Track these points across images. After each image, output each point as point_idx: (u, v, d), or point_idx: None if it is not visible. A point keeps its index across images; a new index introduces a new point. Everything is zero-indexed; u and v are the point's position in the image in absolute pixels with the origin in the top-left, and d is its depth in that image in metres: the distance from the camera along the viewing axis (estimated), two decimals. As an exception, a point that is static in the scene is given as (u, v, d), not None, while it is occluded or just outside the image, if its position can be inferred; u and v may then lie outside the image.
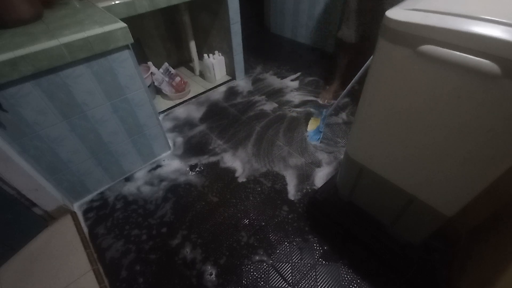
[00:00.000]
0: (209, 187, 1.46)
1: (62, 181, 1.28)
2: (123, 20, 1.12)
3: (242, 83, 2.29)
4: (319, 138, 1.71)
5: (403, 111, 0.75)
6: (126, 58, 1.17)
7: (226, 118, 1.93)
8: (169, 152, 1.67)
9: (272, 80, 2.33)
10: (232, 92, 2.19)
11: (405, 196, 0.90)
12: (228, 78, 2.33)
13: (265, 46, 2.93)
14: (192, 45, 2.19)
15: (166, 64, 2.05)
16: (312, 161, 1.59)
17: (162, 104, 2.06)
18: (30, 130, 1.06)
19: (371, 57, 0.79)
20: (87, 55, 1.04)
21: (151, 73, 1.98)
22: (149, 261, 1.17)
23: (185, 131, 1.83)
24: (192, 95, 2.14)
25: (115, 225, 1.31)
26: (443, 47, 0.59)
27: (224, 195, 1.42)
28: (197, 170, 1.56)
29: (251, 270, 1.13)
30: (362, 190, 1.08)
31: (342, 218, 1.21)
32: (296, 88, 2.22)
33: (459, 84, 0.60)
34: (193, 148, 1.70)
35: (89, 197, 1.43)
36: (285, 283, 1.09)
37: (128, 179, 1.52)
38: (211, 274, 1.12)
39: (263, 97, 2.13)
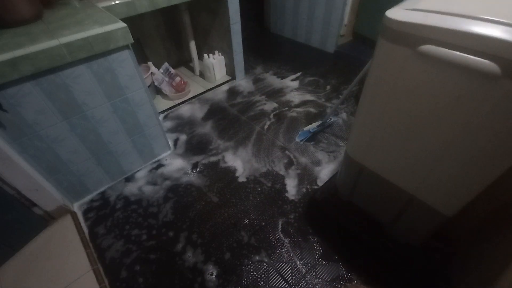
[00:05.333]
0: (209, 187, 1.46)
1: (62, 181, 1.28)
2: (123, 20, 1.12)
3: (242, 83, 2.29)
4: (303, 139, 1.72)
5: (403, 111, 0.75)
6: (126, 58, 1.17)
7: (227, 118, 1.93)
8: (169, 152, 1.67)
9: (272, 80, 2.33)
10: (232, 92, 2.19)
11: (405, 196, 0.90)
12: (228, 78, 2.33)
13: (265, 46, 2.92)
14: (192, 45, 2.19)
15: (166, 64, 2.05)
16: (312, 161, 1.59)
17: (162, 104, 2.06)
18: (30, 130, 1.06)
19: (371, 58, 0.79)
20: (87, 55, 1.04)
21: (151, 73, 1.98)
22: (149, 261, 1.17)
23: (185, 131, 1.83)
24: (192, 95, 2.14)
25: (115, 225, 1.31)
26: (443, 47, 0.59)
27: (224, 195, 1.42)
28: (198, 170, 1.56)
29: (251, 270, 1.13)
30: (362, 189, 1.08)
31: (342, 218, 1.21)
32: (296, 88, 2.22)
33: (459, 84, 0.60)
34: (194, 148, 1.70)
35: (89, 197, 1.43)
36: (285, 283, 1.09)
37: (128, 179, 1.51)
38: (211, 274, 1.12)
39: (263, 97, 2.12)
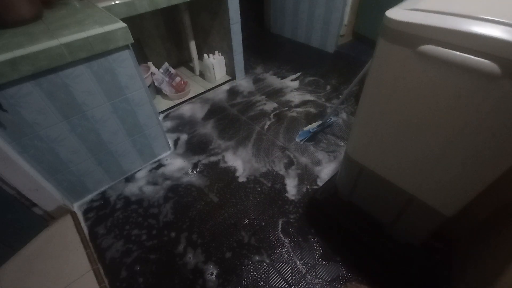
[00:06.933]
0: (209, 187, 1.46)
1: (62, 181, 1.28)
2: (123, 20, 1.12)
3: (242, 83, 2.29)
4: (303, 139, 1.72)
5: (403, 111, 0.75)
6: (126, 58, 1.17)
7: (227, 118, 1.93)
8: (169, 152, 1.67)
9: (272, 80, 2.33)
10: (232, 92, 2.19)
11: (404, 196, 0.90)
12: (228, 78, 2.33)
13: (265, 46, 2.93)
14: (192, 45, 2.19)
15: (166, 64, 2.05)
16: (312, 161, 1.59)
17: (162, 104, 2.06)
18: (30, 130, 1.06)
19: (371, 58, 0.79)
20: (87, 55, 1.04)
21: (151, 73, 1.98)
22: (149, 261, 1.17)
23: (185, 131, 1.83)
24: (192, 95, 2.14)
25: (115, 225, 1.31)
26: (443, 47, 0.59)
27: (224, 195, 1.42)
28: (198, 170, 1.56)
29: (251, 270, 1.13)
30: (362, 190, 1.08)
31: (342, 218, 1.21)
32: (296, 88, 2.22)
33: (459, 84, 0.60)
34: (194, 148, 1.70)
35: (89, 197, 1.43)
36: (285, 283, 1.09)
37: (128, 179, 1.51)
38: (211, 274, 1.12)
39: (263, 97, 2.12)
